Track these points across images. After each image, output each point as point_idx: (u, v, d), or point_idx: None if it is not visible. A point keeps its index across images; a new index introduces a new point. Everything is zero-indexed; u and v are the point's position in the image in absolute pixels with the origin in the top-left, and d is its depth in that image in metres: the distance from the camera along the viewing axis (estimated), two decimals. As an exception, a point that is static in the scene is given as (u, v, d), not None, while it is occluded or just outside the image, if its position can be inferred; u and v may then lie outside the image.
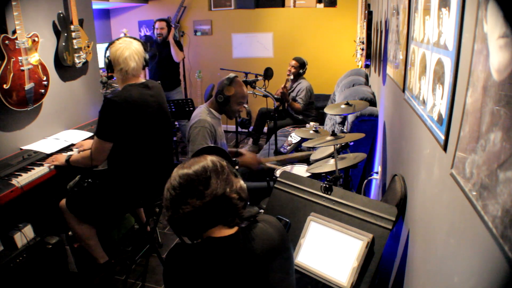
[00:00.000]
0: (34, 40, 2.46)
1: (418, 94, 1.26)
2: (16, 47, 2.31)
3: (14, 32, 2.31)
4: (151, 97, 2.17)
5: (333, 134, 1.81)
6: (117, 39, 2.16)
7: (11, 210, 2.21)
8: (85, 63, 3.01)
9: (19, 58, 2.34)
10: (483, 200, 0.65)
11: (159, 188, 1.23)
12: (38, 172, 2.26)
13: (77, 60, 2.89)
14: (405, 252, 1.38)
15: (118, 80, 2.20)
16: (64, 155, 2.37)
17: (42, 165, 2.34)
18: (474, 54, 0.74)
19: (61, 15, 2.75)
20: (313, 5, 5.11)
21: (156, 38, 4.67)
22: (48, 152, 2.49)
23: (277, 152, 3.15)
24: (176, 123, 4.59)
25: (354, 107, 1.94)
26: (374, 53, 3.19)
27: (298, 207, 1.55)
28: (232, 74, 2.40)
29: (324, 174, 1.96)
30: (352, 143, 2.24)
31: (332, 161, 1.90)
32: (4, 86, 2.25)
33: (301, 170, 2.34)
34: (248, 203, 1.18)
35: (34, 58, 2.45)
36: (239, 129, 5.18)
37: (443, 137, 0.93)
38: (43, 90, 2.56)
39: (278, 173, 2.29)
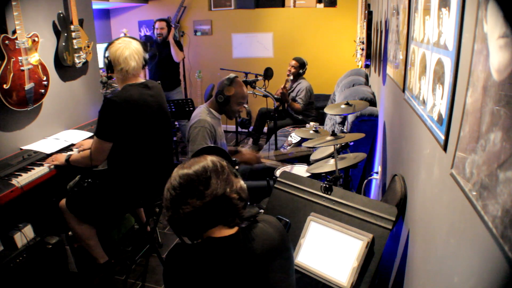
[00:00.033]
0: (34, 40, 2.46)
1: (418, 94, 1.26)
2: (16, 47, 2.32)
3: (14, 32, 2.31)
4: (151, 97, 2.17)
5: (333, 134, 1.81)
6: (116, 39, 2.16)
7: (11, 210, 2.21)
8: (85, 63, 3.01)
9: (19, 58, 2.34)
10: (483, 200, 0.65)
11: (159, 188, 1.23)
12: (38, 172, 2.26)
13: (77, 60, 2.89)
14: (405, 252, 1.38)
15: (117, 80, 2.20)
16: (64, 155, 2.37)
17: (42, 165, 2.34)
18: (474, 54, 0.74)
19: (61, 15, 2.75)
20: (313, 5, 5.11)
21: (156, 38, 4.66)
22: (48, 152, 2.49)
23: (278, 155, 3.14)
24: (176, 123, 4.59)
25: (354, 107, 1.94)
26: (374, 53, 3.19)
27: (298, 207, 1.55)
28: (232, 74, 2.40)
29: (324, 174, 1.96)
30: (352, 143, 2.24)
31: (332, 161, 1.90)
32: (4, 86, 2.25)
33: (301, 170, 2.34)
34: (248, 203, 1.18)
35: (34, 58, 2.45)
36: (239, 129, 5.19)
37: (443, 137, 0.93)
38: (43, 90, 2.56)
39: (278, 173, 2.29)
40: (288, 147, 3.17)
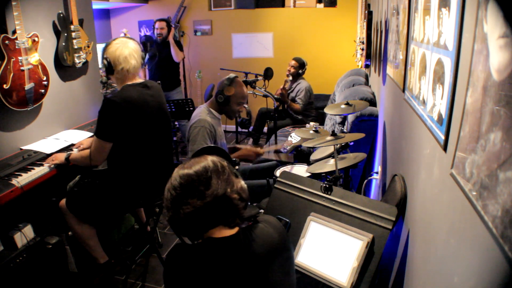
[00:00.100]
0: (34, 40, 2.46)
1: (418, 94, 1.26)
2: (16, 47, 2.32)
3: (14, 32, 2.31)
4: (151, 97, 2.17)
5: (333, 134, 1.81)
6: (112, 40, 2.16)
7: (11, 210, 2.21)
8: (85, 63, 3.01)
9: (19, 58, 2.34)
10: (483, 200, 0.65)
11: (159, 188, 1.23)
12: (38, 172, 2.26)
13: (77, 60, 2.89)
14: (405, 252, 1.38)
15: (117, 81, 2.19)
16: (64, 154, 2.36)
17: (42, 165, 2.34)
18: (474, 54, 0.74)
19: (61, 15, 2.75)
20: (313, 5, 5.11)
21: (156, 38, 4.67)
22: (48, 152, 2.49)
23: (277, 152, 3.15)
24: (176, 123, 4.59)
25: (354, 107, 1.94)
26: (374, 53, 3.19)
27: (298, 207, 1.55)
28: (232, 74, 2.40)
29: (324, 174, 1.96)
30: (352, 143, 2.24)
31: (332, 161, 1.91)
32: (4, 86, 2.25)
33: (301, 170, 2.34)
34: (249, 203, 1.18)
35: (34, 58, 2.45)
36: (239, 129, 5.19)
37: (443, 137, 0.93)
38: (43, 90, 2.56)
39: (278, 173, 2.29)
40: (288, 147, 3.17)
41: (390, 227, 1.31)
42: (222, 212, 1.08)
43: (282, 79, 4.40)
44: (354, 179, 2.82)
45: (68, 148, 2.64)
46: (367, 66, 3.62)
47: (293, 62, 4.33)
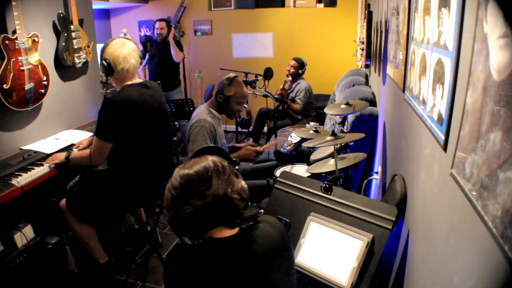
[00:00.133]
0: (34, 40, 2.46)
1: (418, 94, 1.26)
2: (16, 47, 2.32)
3: (14, 32, 2.31)
4: (151, 97, 2.17)
5: (333, 134, 1.81)
6: (110, 41, 2.16)
7: (11, 210, 2.21)
8: (85, 63, 3.01)
9: (19, 58, 2.34)
10: (483, 200, 0.65)
11: (159, 188, 1.23)
12: (38, 172, 2.26)
13: (77, 60, 2.89)
14: (405, 252, 1.38)
15: (116, 81, 2.19)
16: (64, 153, 2.36)
17: (42, 165, 2.34)
18: (474, 54, 0.74)
19: (61, 15, 2.75)
20: (313, 5, 5.11)
21: (156, 38, 4.67)
22: (48, 152, 2.49)
23: (277, 152, 3.15)
24: (176, 123, 4.59)
25: (354, 107, 1.94)
26: (374, 53, 3.19)
27: (298, 207, 1.55)
28: (232, 74, 2.40)
29: (324, 174, 1.96)
30: (352, 143, 2.24)
31: (332, 161, 1.91)
32: (4, 86, 2.25)
33: (301, 170, 2.34)
34: (249, 203, 1.18)
35: (34, 58, 2.45)
36: (239, 129, 5.18)
37: (443, 137, 0.93)
38: (43, 90, 2.56)
39: (278, 173, 2.29)
40: (288, 147, 3.17)
41: (390, 227, 1.31)
42: (223, 212, 1.08)
43: (282, 79, 4.40)
44: (354, 179, 2.82)
45: (68, 148, 2.64)
46: (367, 66, 3.62)
47: (292, 62, 4.33)
